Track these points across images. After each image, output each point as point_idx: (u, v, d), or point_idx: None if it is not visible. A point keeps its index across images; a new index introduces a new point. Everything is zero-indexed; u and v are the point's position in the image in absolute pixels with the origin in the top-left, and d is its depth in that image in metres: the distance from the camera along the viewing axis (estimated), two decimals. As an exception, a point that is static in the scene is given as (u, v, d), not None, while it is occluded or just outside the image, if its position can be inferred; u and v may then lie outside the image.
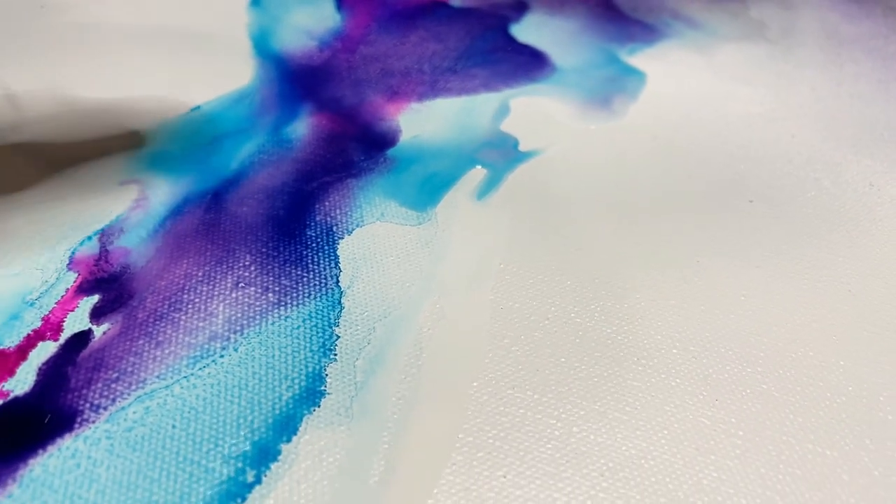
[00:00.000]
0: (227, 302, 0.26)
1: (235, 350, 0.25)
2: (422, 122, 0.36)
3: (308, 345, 0.25)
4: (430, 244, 0.29)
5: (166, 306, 0.26)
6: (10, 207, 0.29)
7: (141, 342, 0.25)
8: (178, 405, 0.23)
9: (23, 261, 0.27)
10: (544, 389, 0.24)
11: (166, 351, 0.24)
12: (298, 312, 0.26)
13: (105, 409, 0.23)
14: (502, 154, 0.34)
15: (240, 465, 0.21)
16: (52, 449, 0.22)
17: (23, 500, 0.20)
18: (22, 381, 0.23)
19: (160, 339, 0.25)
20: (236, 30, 0.42)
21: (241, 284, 0.27)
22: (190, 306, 0.26)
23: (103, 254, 0.28)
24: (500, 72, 0.40)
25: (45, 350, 0.24)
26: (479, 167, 0.33)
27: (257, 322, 0.26)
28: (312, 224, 0.30)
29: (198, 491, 0.21)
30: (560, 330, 0.26)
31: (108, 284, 0.27)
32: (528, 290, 0.27)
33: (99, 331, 0.25)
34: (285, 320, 0.26)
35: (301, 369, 0.24)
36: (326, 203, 0.31)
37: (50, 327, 0.25)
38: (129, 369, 0.24)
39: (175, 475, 0.21)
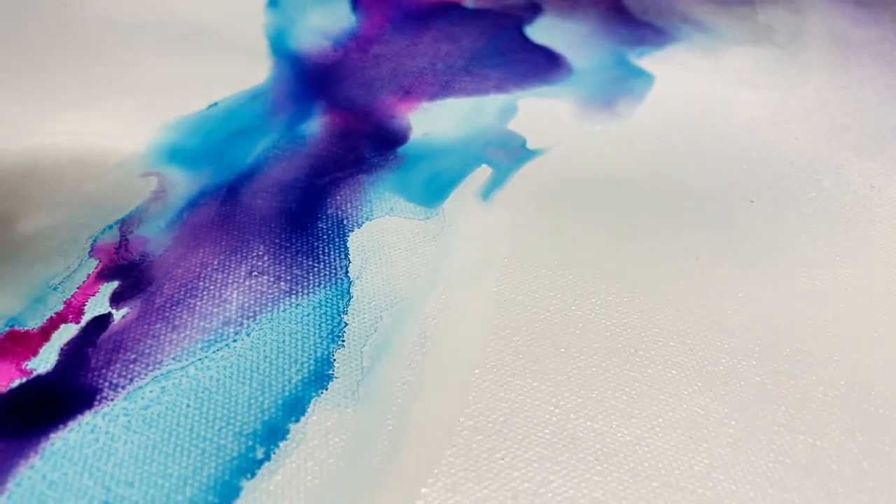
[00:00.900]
0: (240, 289, 0.27)
1: (248, 335, 0.26)
2: (432, 120, 0.37)
3: (317, 331, 0.26)
4: (437, 238, 0.30)
5: (183, 292, 0.27)
6: (36, 197, 0.30)
7: (158, 326, 0.26)
8: (193, 385, 0.24)
9: (47, 247, 0.28)
10: (543, 378, 0.25)
11: (182, 334, 0.26)
12: (309, 300, 0.27)
13: (123, 387, 0.24)
14: (508, 153, 0.35)
15: (250, 442, 0.22)
16: (72, 424, 0.23)
17: (44, 471, 0.21)
18: (44, 360, 0.25)
19: (176, 323, 0.26)
20: (254, 30, 0.43)
21: (254, 273, 0.28)
22: (205, 293, 0.27)
23: (123, 242, 0.29)
24: (513, 73, 0.41)
25: (67, 332, 0.25)
26: (485, 166, 0.34)
27: (269, 309, 0.27)
28: (324, 217, 0.31)
29: (210, 465, 0.22)
30: (560, 322, 0.27)
31: (127, 271, 0.28)
32: (530, 283, 0.28)
33: (118, 314, 0.26)
34: (296, 307, 0.27)
35: (310, 354, 0.25)
36: (338, 197, 0.32)
37: (72, 310, 0.26)
38: (147, 351, 0.25)
39: (188, 450, 0.22)
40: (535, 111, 0.37)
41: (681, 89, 0.40)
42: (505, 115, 0.37)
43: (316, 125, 0.36)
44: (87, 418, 0.23)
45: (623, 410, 0.24)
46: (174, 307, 0.26)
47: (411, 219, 0.31)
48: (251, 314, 0.26)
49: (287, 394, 0.24)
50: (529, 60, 0.42)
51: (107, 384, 0.24)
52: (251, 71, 0.39)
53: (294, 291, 0.28)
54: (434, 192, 0.32)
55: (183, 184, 0.32)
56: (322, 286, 0.28)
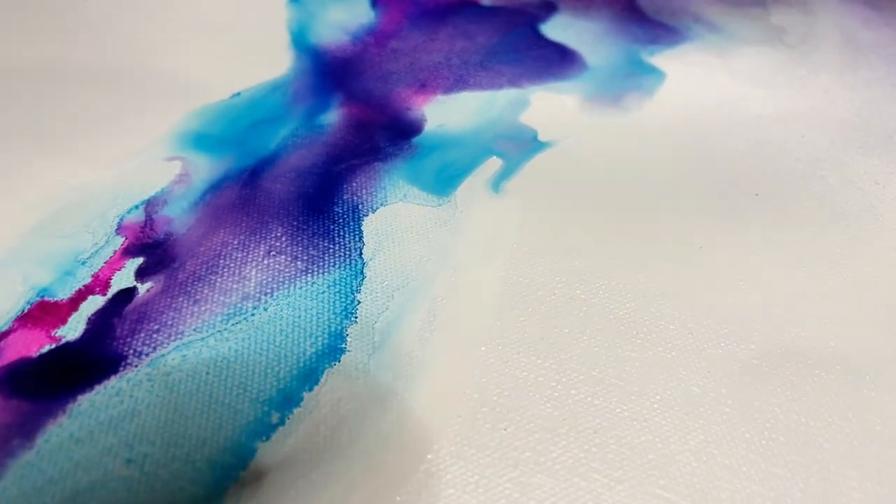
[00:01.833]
0: (259, 267, 0.29)
1: (265, 310, 0.27)
2: (447, 112, 0.38)
3: (332, 308, 0.27)
4: (448, 224, 0.31)
5: (204, 269, 0.28)
6: (67, 177, 0.32)
7: (180, 299, 0.27)
8: (213, 355, 0.25)
9: (76, 225, 0.30)
10: (546, 355, 0.26)
11: (203, 308, 0.27)
12: (324, 279, 0.28)
13: (147, 355, 0.25)
14: (518, 145, 0.36)
15: (266, 408, 0.24)
16: (98, 387, 0.24)
17: (71, 429, 0.23)
18: (73, 328, 0.26)
19: (198, 297, 0.27)
20: (276, 24, 0.44)
21: (272, 253, 0.29)
22: (225, 270, 0.28)
23: (148, 221, 0.30)
24: (527, 68, 0.42)
25: (94, 303, 0.27)
26: (496, 157, 0.35)
27: (286, 286, 0.28)
28: (340, 202, 0.32)
29: (227, 428, 0.23)
30: (565, 305, 0.28)
31: (152, 248, 0.29)
32: (537, 267, 0.29)
33: (143, 288, 0.27)
34: (312, 285, 0.28)
35: (324, 329, 0.26)
36: (353, 184, 0.33)
37: (99, 283, 0.27)
38: (169, 322, 0.26)
39: (207, 414, 0.23)
40: (546, 105, 0.38)
41: (691, 86, 0.41)
42: (517, 108, 0.38)
43: (334, 115, 0.37)
44: (112, 382, 0.24)
45: (622, 388, 0.25)
46: (196, 282, 0.28)
47: (424, 205, 0.32)
48: (269, 291, 0.28)
49: (301, 364, 0.25)
50: (543, 56, 0.43)
51: (131, 351, 0.25)
52: (273, 63, 0.41)
53: (310, 270, 0.29)
54: (446, 180, 0.34)
55: (206, 168, 0.33)
56: (337, 266, 0.29)
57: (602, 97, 0.40)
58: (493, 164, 0.35)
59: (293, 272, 0.29)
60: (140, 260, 0.29)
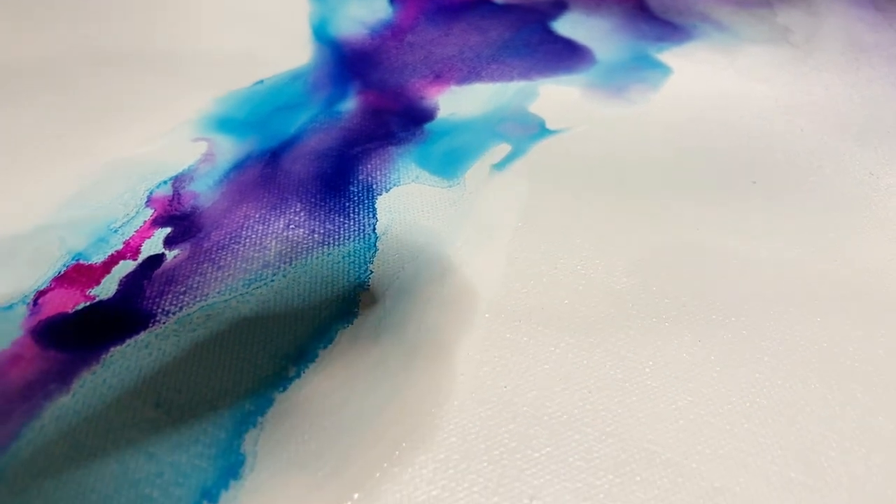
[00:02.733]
0: (278, 239, 0.30)
1: (284, 276, 0.29)
2: (459, 102, 0.40)
3: (346, 276, 0.29)
4: (457, 203, 0.33)
5: (227, 239, 0.30)
6: (101, 154, 0.34)
7: (205, 265, 0.29)
8: (235, 315, 0.27)
9: (110, 197, 0.32)
10: (547, 323, 0.28)
11: (226, 273, 0.29)
12: (339, 250, 0.30)
13: (173, 314, 0.27)
14: (525, 131, 0.37)
15: (283, 362, 0.25)
16: (129, 341, 0.26)
17: (104, 376, 0.25)
18: (106, 289, 0.28)
19: (221, 264, 0.29)
20: (298, 18, 0.47)
21: (291, 226, 0.31)
22: (247, 240, 0.30)
23: (176, 196, 0.32)
24: (537, 62, 0.44)
25: (126, 267, 0.29)
26: (504, 143, 0.37)
27: (304, 256, 0.30)
28: (355, 182, 0.34)
29: (248, 379, 0.25)
30: (566, 278, 0.30)
31: (179, 220, 0.31)
32: (540, 244, 0.31)
33: (171, 255, 0.29)
34: (328, 256, 0.30)
35: (339, 294, 0.28)
36: (368, 165, 0.35)
37: (130, 249, 0.29)
38: (195, 286, 0.28)
39: (229, 367, 0.25)
40: (555, 95, 0.40)
41: (695, 81, 0.43)
42: (526, 98, 0.40)
43: (351, 103, 0.39)
44: (141, 336, 0.26)
45: (616, 353, 0.27)
46: (220, 251, 0.30)
47: (435, 186, 0.34)
48: (287, 259, 0.30)
49: (317, 324, 0.27)
50: (553, 51, 0.45)
51: (159, 310, 0.27)
52: (295, 54, 0.43)
53: (326, 242, 0.31)
54: (456, 163, 0.35)
55: (230, 149, 0.35)
56: (351, 239, 0.31)
57: (609, 89, 0.41)
58: (502, 149, 0.36)
59: (310, 244, 0.30)
60: (168, 230, 0.31)
